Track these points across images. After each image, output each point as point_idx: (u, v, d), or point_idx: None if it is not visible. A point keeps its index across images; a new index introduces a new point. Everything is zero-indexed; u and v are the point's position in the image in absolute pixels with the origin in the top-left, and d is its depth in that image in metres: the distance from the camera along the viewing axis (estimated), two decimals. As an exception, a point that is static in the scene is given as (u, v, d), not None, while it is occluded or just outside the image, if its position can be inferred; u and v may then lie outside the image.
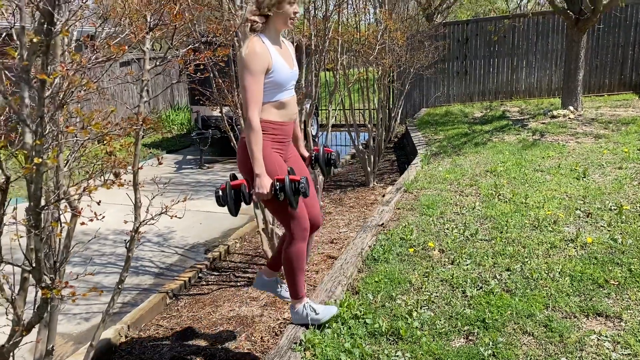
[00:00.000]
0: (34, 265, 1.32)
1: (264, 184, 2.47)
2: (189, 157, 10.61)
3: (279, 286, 3.18)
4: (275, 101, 2.57)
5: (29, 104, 1.11)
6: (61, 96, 1.23)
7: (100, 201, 1.56)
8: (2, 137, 1.25)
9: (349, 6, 6.35)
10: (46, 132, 1.19)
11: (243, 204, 2.69)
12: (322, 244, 5.14)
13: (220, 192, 2.58)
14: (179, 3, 1.91)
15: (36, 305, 1.44)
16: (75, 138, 1.44)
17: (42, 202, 1.23)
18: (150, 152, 10.67)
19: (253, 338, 3.57)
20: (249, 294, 4.25)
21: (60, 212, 1.48)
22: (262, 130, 2.50)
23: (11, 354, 1.48)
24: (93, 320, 4.14)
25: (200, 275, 4.79)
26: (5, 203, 1.28)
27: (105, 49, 1.43)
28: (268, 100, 2.54)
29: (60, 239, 1.55)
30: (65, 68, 1.18)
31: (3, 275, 1.35)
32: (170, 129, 13.25)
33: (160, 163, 2.17)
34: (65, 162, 1.50)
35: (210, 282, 4.64)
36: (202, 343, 3.60)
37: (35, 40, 1.04)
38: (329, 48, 4.36)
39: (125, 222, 1.99)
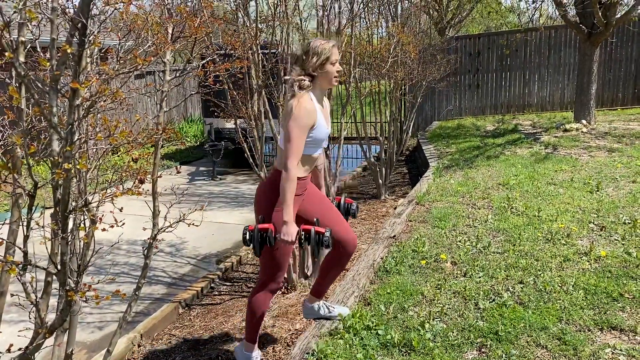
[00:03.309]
0: (59, 268, 1.35)
1: (291, 232, 2.57)
2: (201, 168, 10.70)
3: (324, 307, 3.22)
4: (309, 155, 2.71)
5: (56, 112, 1.15)
6: (86, 105, 1.27)
7: (122, 208, 1.60)
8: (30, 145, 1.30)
9: (361, 20, 6.42)
10: (75, 139, 1.23)
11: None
12: (334, 256, 5.15)
13: (248, 234, 2.67)
14: (200, 16, 1.97)
15: (59, 309, 1.47)
16: (100, 146, 1.49)
17: (70, 207, 1.27)
18: (164, 164, 10.77)
19: (265, 348, 3.57)
20: (261, 304, 4.26)
21: (86, 217, 1.52)
22: None
23: (33, 357, 1.51)
24: (106, 329, 4.17)
25: (212, 285, 4.82)
26: (33, 208, 1.32)
27: (130, 60, 1.48)
28: (304, 153, 2.66)
29: (84, 243, 1.59)
30: (96, 77, 1.22)
31: (30, 279, 1.39)
32: (183, 140, 13.39)
33: (178, 172, 2.23)
34: (87, 170, 1.55)
35: (222, 292, 4.67)
36: (214, 353, 3.61)
37: (69, 50, 1.09)
38: (341, 61, 4.41)
39: (144, 229, 2.03)
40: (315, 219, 2.71)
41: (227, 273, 5.07)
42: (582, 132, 8.87)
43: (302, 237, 2.60)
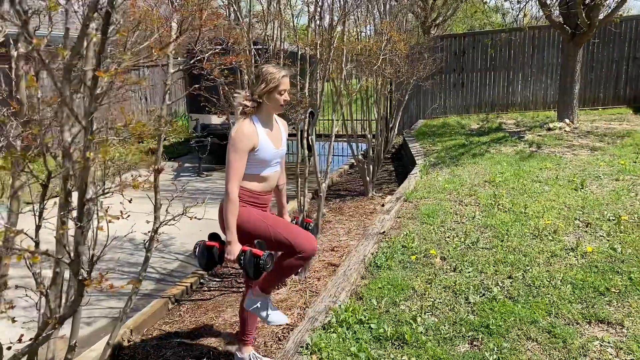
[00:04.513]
0: (72, 258, 1.34)
1: (233, 251, 2.70)
2: (186, 164, 10.62)
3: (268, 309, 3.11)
4: (257, 174, 2.81)
5: (70, 102, 1.15)
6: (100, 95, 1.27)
7: (131, 199, 1.60)
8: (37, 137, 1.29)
9: (351, 17, 6.43)
10: (94, 128, 1.23)
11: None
12: (323, 252, 5.17)
13: (198, 248, 2.82)
14: (205, 10, 1.97)
15: (70, 299, 1.46)
16: (111, 137, 1.48)
17: (88, 195, 1.26)
18: (147, 159, 10.66)
19: (256, 343, 3.57)
20: (251, 300, 4.26)
21: (100, 207, 1.52)
22: (242, 197, 2.74)
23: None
24: (95, 325, 4.14)
25: (202, 281, 4.80)
26: (45, 198, 1.31)
27: (143, 50, 1.48)
28: (252, 172, 2.77)
29: (98, 232, 1.58)
30: (115, 67, 1.22)
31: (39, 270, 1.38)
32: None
33: (179, 166, 2.22)
34: (106, 160, 1.54)
35: (212, 288, 4.66)
36: (205, 348, 3.60)
37: (95, 39, 1.08)
38: (333, 57, 4.43)
39: (147, 221, 2.02)
40: (255, 241, 2.74)
41: (216, 269, 5.06)
42: (565, 131, 9.01)
43: (241, 257, 2.66)
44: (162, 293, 4.52)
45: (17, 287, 1.55)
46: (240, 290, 4.53)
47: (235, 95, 2.78)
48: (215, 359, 3.46)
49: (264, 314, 3.02)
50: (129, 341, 3.82)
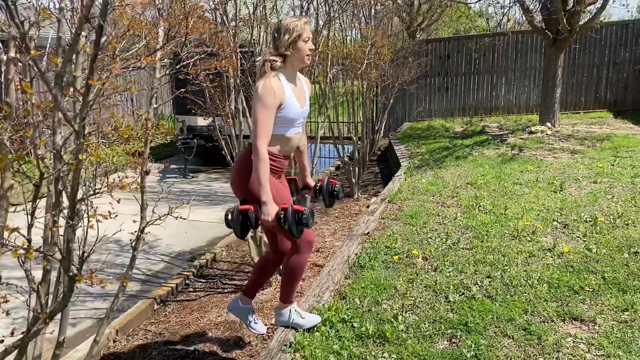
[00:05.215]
0: (64, 255, 1.40)
1: (270, 211, 2.54)
2: (172, 166, 10.62)
3: (250, 316, 3.20)
4: (280, 135, 2.69)
5: (63, 107, 1.21)
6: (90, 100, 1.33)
7: (120, 200, 1.65)
8: (34, 139, 1.35)
9: (336, 22, 6.51)
10: (85, 132, 1.29)
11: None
12: (308, 253, 5.24)
13: (229, 215, 2.63)
14: (191, 18, 2.03)
15: (59, 295, 1.51)
16: (102, 140, 1.54)
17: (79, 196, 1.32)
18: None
19: (241, 343, 3.64)
20: (237, 300, 4.31)
21: (90, 207, 1.57)
22: None
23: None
24: (80, 326, 4.16)
25: (187, 282, 4.84)
26: (37, 198, 1.37)
27: (132, 56, 1.54)
28: (275, 132, 2.65)
29: (86, 231, 1.63)
30: (107, 75, 1.28)
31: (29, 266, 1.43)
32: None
33: (166, 167, 2.28)
34: (98, 161, 1.59)
35: (197, 289, 4.70)
36: (191, 348, 3.65)
37: (88, 50, 1.14)
38: (319, 61, 4.50)
39: (134, 221, 2.08)
40: (294, 198, 2.64)
41: (201, 270, 5.10)
42: (546, 134, 9.18)
43: (281, 216, 2.52)
44: (148, 294, 4.55)
45: (7, 284, 1.59)
46: (225, 291, 4.58)
47: (258, 58, 2.70)
48: (201, 358, 3.51)
49: (298, 322, 3.03)
50: (114, 341, 3.85)
